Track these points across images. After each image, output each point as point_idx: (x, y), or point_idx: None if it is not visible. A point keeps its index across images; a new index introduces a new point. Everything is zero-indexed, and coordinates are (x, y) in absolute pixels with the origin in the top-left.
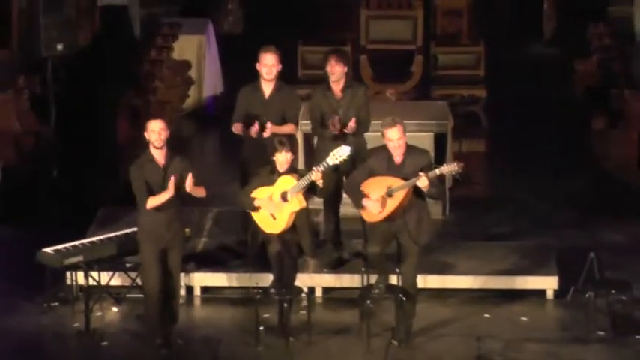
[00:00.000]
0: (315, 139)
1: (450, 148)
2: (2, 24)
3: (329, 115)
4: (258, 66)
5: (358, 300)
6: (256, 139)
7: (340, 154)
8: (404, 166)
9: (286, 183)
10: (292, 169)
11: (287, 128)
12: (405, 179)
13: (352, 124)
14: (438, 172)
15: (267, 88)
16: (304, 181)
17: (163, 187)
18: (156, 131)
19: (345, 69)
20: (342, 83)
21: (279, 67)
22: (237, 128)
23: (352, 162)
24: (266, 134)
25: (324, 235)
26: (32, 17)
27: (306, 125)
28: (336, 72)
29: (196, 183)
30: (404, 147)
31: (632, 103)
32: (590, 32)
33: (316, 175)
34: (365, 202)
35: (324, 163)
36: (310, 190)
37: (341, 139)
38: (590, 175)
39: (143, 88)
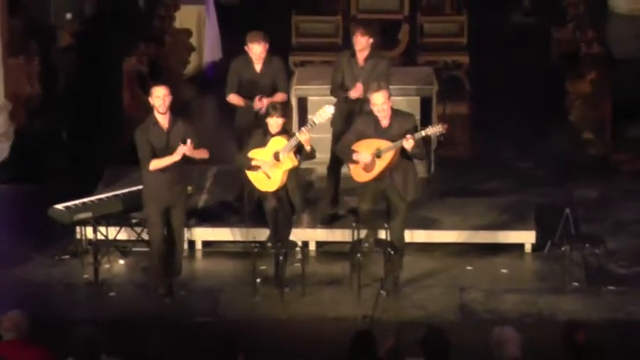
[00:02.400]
0: (312, 102)
1: (435, 111)
2: None
3: (349, 79)
4: (247, 49)
5: (349, 253)
6: (248, 108)
7: (325, 112)
8: (391, 129)
9: (278, 143)
10: (283, 131)
11: (279, 97)
12: (392, 141)
13: (359, 86)
14: (424, 133)
15: (258, 63)
16: (294, 141)
17: (167, 150)
18: (160, 97)
19: (370, 40)
20: (365, 53)
21: (267, 47)
22: (232, 99)
23: None
24: (263, 110)
25: (322, 193)
26: None
27: (300, 90)
28: (360, 43)
29: (197, 146)
30: (389, 111)
31: (606, 69)
32: (566, 2)
33: (303, 136)
34: (355, 156)
35: (311, 122)
36: (298, 152)
37: (356, 103)
38: (566, 136)
39: (147, 55)
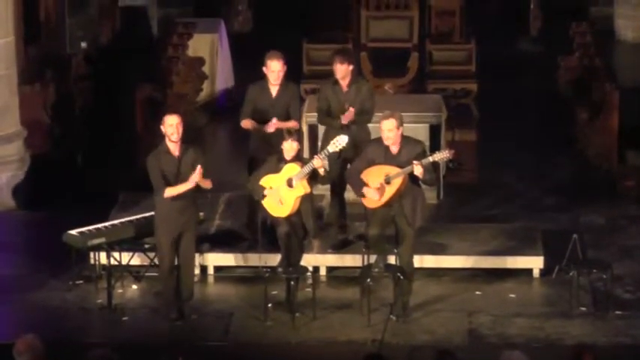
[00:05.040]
0: (320, 129)
1: (444, 138)
2: (31, 23)
3: (335, 106)
4: (265, 70)
5: (359, 278)
6: (262, 133)
7: (340, 142)
8: (400, 155)
9: (291, 170)
10: (297, 158)
11: (290, 124)
12: (402, 167)
13: (351, 111)
14: (431, 159)
15: (274, 88)
16: (307, 168)
17: (178, 177)
18: (173, 125)
19: (350, 67)
20: (347, 80)
21: (285, 68)
22: (246, 124)
23: (355, 150)
24: (270, 129)
25: (329, 219)
26: (58, 17)
27: (311, 117)
28: (340, 71)
29: (206, 172)
30: (396, 138)
31: (612, 96)
32: (573, 30)
33: (318, 162)
34: (365, 190)
35: (325, 151)
36: (313, 178)
37: (346, 128)
38: (573, 163)
39: (161, 82)
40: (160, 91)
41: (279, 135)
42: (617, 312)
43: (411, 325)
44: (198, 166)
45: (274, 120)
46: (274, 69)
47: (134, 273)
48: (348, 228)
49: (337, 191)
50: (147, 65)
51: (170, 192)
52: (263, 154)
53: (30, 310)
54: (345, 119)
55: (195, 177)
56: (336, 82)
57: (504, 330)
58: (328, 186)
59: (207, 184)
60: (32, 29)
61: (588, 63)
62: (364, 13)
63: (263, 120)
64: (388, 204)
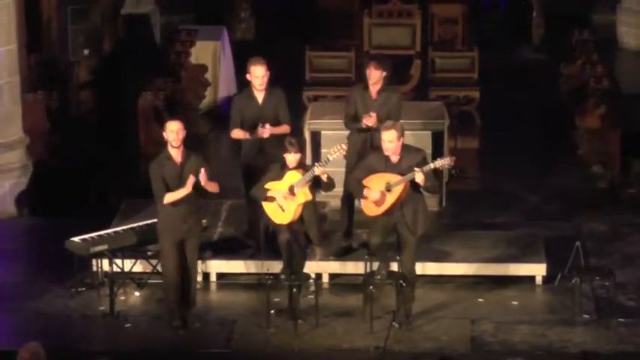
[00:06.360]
0: (324, 136)
1: (447, 145)
2: (34, 31)
3: (362, 112)
4: (248, 77)
5: (362, 285)
6: (253, 142)
7: (340, 149)
8: (401, 163)
9: (293, 177)
10: (300, 165)
11: (282, 128)
12: (402, 175)
13: (373, 115)
14: (432, 165)
15: (260, 94)
16: (308, 176)
17: (180, 183)
18: (174, 131)
19: (384, 74)
20: (378, 86)
21: (268, 74)
22: (236, 134)
23: None
24: (265, 134)
25: (336, 225)
26: (61, 24)
27: (313, 124)
28: (374, 76)
29: (210, 178)
30: (394, 149)
31: (614, 104)
32: (575, 38)
33: (318, 170)
34: (366, 192)
35: (325, 159)
36: (316, 185)
37: (367, 134)
38: (575, 170)
39: (163, 90)
40: (162, 99)
41: (273, 141)
42: (620, 319)
43: (414, 332)
44: (202, 170)
45: (267, 125)
46: (258, 74)
47: (136, 280)
48: (353, 236)
49: (348, 198)
50: (149, 73)
51: (169, 198)
52: (259, 162)
53: (32, 317)
54: (366, 122)
55: (192, 182)
56: (365, 88)
57: (507, 337)
58: (339, 192)
59: (212, 188)
60: (35, 37)
61: (590, 70)
62: (367, 20)
63: (252, 128)
64: (389, 212)
